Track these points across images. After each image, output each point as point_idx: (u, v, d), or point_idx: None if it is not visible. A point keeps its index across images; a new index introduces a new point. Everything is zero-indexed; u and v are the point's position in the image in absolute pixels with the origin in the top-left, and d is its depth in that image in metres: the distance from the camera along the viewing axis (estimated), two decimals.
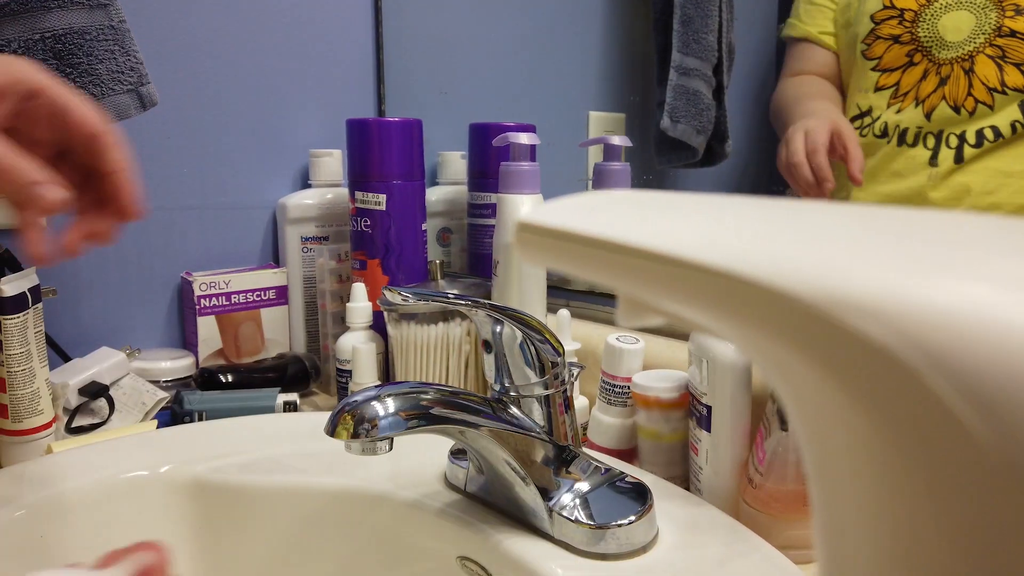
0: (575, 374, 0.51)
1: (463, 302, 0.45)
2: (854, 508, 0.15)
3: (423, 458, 0.56)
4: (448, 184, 0.95)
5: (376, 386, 0.43)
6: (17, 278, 0.60)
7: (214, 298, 0.80)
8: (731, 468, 0.50)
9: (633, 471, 0.52)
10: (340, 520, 0.54)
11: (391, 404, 0.42)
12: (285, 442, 0.61)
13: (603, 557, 0.44)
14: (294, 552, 0.55)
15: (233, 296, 0.81)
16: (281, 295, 0.84)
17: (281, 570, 0.55)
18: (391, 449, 0.42)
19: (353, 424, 0.41)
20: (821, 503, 0.16)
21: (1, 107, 0.39)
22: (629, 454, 0.58)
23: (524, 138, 0.63)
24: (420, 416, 0.43)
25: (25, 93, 0.40)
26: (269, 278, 0.83)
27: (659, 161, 1.01)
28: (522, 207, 0.64)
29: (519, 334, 0.46)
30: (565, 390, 0.49)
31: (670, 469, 0.55)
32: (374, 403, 0.42)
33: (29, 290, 0.60)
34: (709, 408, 0.50)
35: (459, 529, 0.49)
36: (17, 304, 0.59)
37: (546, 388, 0.48)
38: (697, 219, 0.16)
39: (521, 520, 0.47)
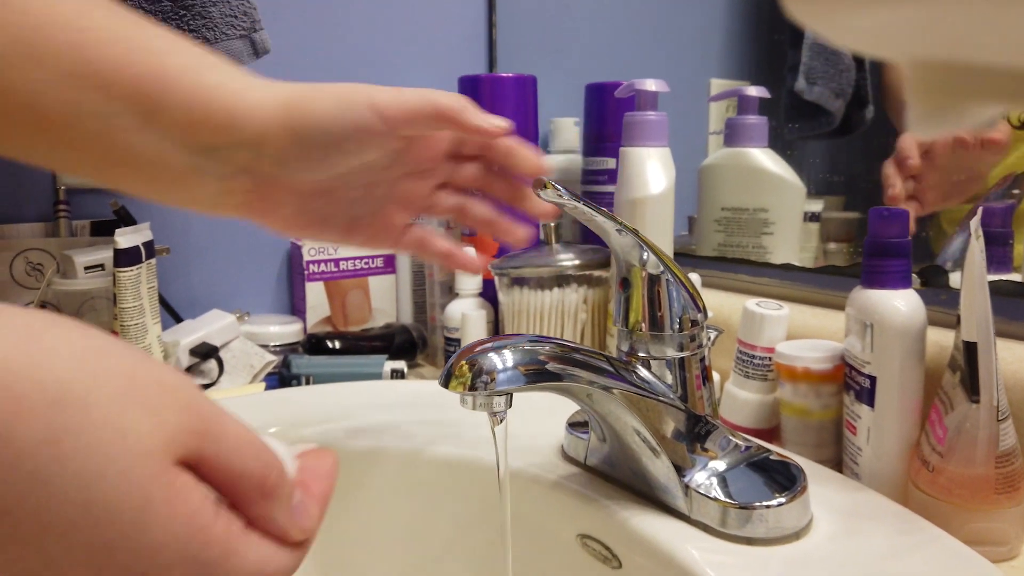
0: (712, 339, 0.45)
1: (615, 221, 0.40)
2: None
3: (537, 428, 0.51)
4: (560, 153, 0.91)
5: (492, 338, 0.39)
6: (131, 231, 0.59)
7: (322, 264, 0.78)
8: (898, 449, 0.43)
9: (777, 452, 0.46)
10: (449, 490, 0.50)
11: (510, 357, 0.38)
12: (392, 409, 0.58)
13: (748, 542, 0.38)
14: (400, 521, 0.51)
15: (341, 263, 0.79)
16: (389, 263, 0.82)
17: (387, 538, 0.52)
18: (510, 406, 0.38)
19: (470, 376, 0.37)
20: None
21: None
22: (769, 434, 0.52)
23: (651, 84, 0.58)
24: (541, 372, 0.38)
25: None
26: None
27: (789, 131, 0.93)
28: (648, 161, 0.58)
29: (666, 271, 0.41)
30: (703, 357, 0.43)
31: (820, 451, 0.48)
32: (491, 355, 0.37)
33: (143, 244, 0.60)
34: (873, 379, 0.43)
35: (579, 504, 0.44)
36: (131, 257, 0.58)
37: (681, 350, 0.42)
38: None
39: (649, 496, 0.42)
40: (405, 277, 0.83)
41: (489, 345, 0.38)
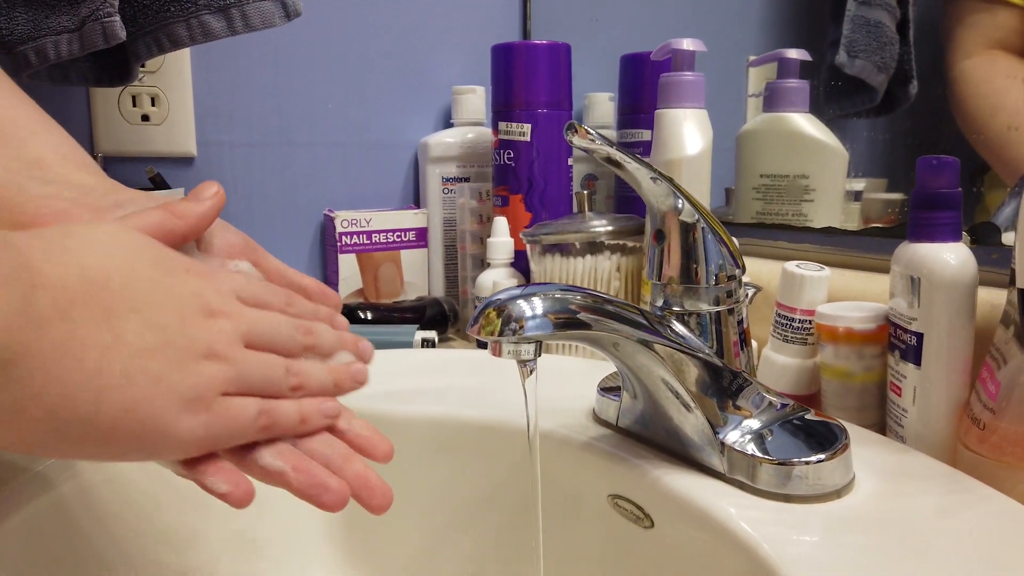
0: (750, 296, 0.44)
1: (649, 168, 0.39)
2: None
3: (568, 392, 0.50)
4: (595, 128, 0.89)
5: (521, 286, 0.38)
6: (165, 196, 0.59)
7: (355, 236, 0.78)
8: (946, 409, 0.41)
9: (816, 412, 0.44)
10: (479, 453, 0.49)
11: (539, 305, 0.37)
12: (423, 375, 0.57)
13: (787, 499, 0.36)
14: (430, 484, 0.51)
15: (374, 235, 0.79)
16: (421, 237, 0.81)
17: (417, 501, 0.51)
18: (539, 355, 0.37)
19: (499, 323, 0.36)
20: None
21: None
22: (808, 400, 0.50)
23: (687, 44, 0.56)
24: (570, 321, 0.37)
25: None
26: (410, 219, 0.81)
27: (828, 109, 0.90)
28: (684, 122, 0.57)
29: (701, 220, 0.39)
30: (741, 319, 0.42)
31: (863, 415, 0.46)
32: (521, 302, 0.36)
33: None
34: (919, 336, 0.41)
35: (610, 464, 0.43)
36: None
37: (717, 304, 0.41)
38: None
39: (683, 455, 0.41)
40: (437, 251, 0.83)
41: (518, 292, 0.37)
